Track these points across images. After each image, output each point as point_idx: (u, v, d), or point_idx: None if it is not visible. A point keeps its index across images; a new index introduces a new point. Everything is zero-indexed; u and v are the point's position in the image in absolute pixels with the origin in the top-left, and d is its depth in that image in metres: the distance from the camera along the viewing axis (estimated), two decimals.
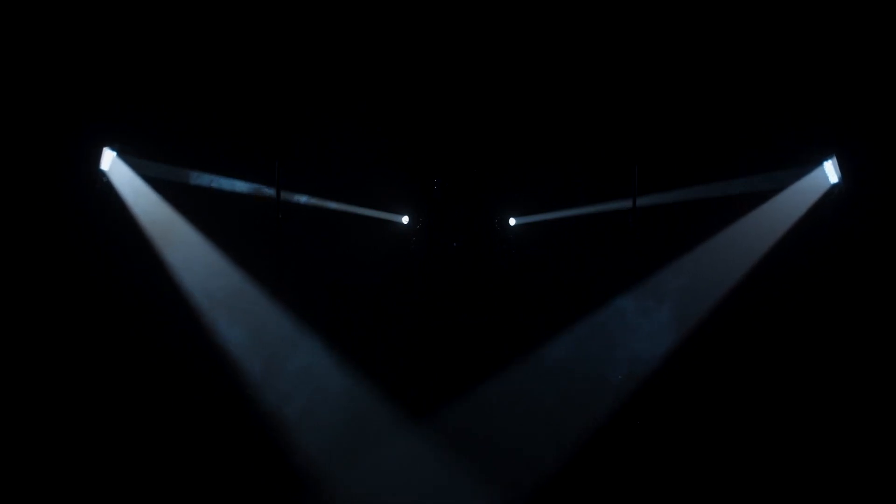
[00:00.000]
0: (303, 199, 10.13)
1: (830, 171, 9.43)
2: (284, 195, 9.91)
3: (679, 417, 9.73)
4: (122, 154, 9.70)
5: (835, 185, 9.42)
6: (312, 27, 9.59)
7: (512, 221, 10.38)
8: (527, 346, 10.15)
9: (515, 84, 9.92)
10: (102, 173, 9.59)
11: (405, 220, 10.30)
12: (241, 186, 10.00)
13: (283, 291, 10.02)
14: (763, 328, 9.59)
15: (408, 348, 10.22)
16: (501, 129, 10.03)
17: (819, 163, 9.51)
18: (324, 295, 10.19)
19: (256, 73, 9.67)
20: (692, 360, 9.78)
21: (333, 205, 10.14)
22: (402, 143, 10.06)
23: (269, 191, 9.93)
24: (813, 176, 9.56)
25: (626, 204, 9.84)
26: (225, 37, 9.51)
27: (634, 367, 9.94)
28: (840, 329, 9.32)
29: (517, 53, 9.75)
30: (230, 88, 9.68)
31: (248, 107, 9.77)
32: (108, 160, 9.62)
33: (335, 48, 9.70)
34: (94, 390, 9.45)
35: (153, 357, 9.68)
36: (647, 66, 9.57)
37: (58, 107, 9.25)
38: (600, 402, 9.90)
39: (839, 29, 9.13)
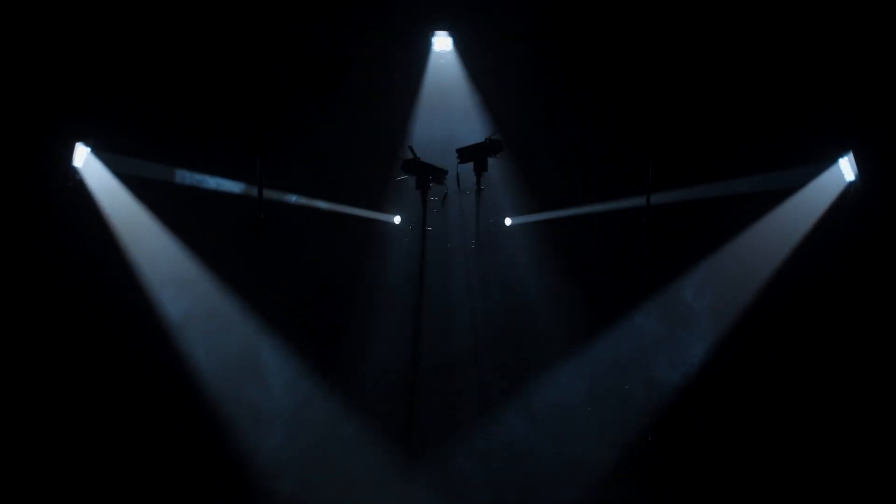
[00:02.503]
0: (292, 198, 9.92)
1: (846, 168, 9.17)
2: (270, 194, 9.65)
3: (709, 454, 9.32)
4: (97, 150, 9.42)
5: (851, 184, 9.16)
6: (303, 19, 9.54)
7: (508, 221, 10.08)
8: (528, 379, 9.78)
9: (515, 78, 9.83)
10: (75, 171, 9.30)
11: (397, 220, 10.09)
12: (225, 185, 9.76)
13: (264, 300, 9.64)
14: (787, 343, 9.29)
15: (399, 373, 9.82)
16: (499, 123, 9.83)
17: (834, 160, 9.25)
18: (308, 303, 9.91)
19: (242, 64, 9.52)
20: (717, 383, 9.43)
21: (322, 204, 9.95)
22: (394, 140, 9.87)
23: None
24: (827, 175, 9.30)
25: (632, 202, 9.58)
26: (208, 24, 9.37)
27: (652, 392, 9.49)
28: (872, 345, 9.01)
29: (521, 48, 9.71)
30: (214, 80, 9.50)
31: (232, 100, 9.56)
32: (82, 157, 9.33)
33: (325, 42, 9.65)
34: (46, 401, 9.10)
35: (116, 370, 9.34)
36: (657, 59, 9.42)
37: (26, 97, 9.05)
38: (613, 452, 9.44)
39: (852, 16, 9.02)
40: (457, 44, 9.85)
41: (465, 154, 9.41)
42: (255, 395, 9.58)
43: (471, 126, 9.84)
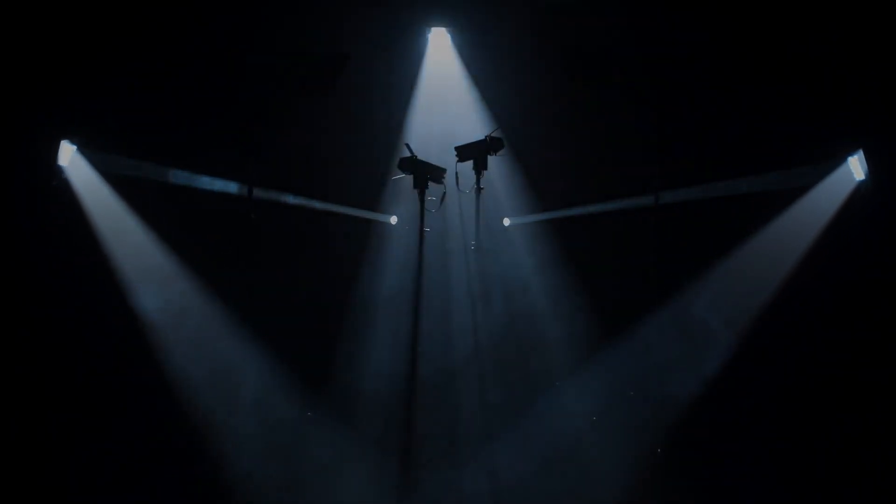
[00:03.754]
0: (287, 198, 9.82)
1: (856, 167, 9.07)
2: (263, 194, 9.59)
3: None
4: (83, 148, 9.31)
5: (861, 183, 9.05)
6: (297, 14, 9.47)
7: (506, 222, 9.97)
8: (530, 389, 9.65)
9: (516, 73, 9.74)
10: (60, 170, 9.18)
11: (394, 220, 10.01)
12: (216, 185, 9.64)
13: (254, 304, 9.53)
14: (801, 351, 9.15)
15: (396, 383, 9.67)
16: (499, 120, 9.74)
17: (843, 158, 9.15)
18: (301, 307, 9.75)
19: (234, 60, 9.45)
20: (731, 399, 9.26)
21: (316, 204, 9.85)
22: (391, 137, 9.80)
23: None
24: (836, 174, 9.19)
25: (637, 202, 9.50)
26: (198, 19, 9.29)
27: (656, 399, 9.33)
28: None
29: (522, 42, 9.63)
30: (205, 76, 9.42)
31: (223, 97, 9.49)
32: (67, 155, 9.22)
33: (319, 38, 9.59)
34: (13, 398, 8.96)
35: (92, 373, 9.19)
36: (663, 54, 9.35)
37: (12, 94, 8.98)
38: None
39: (860, 12, 8.95)
40: (454, 39, 9.77)
41: (464, 152, 9.33)
42: (241, 405, 9.45)
43: (470, 123, 9.75)
